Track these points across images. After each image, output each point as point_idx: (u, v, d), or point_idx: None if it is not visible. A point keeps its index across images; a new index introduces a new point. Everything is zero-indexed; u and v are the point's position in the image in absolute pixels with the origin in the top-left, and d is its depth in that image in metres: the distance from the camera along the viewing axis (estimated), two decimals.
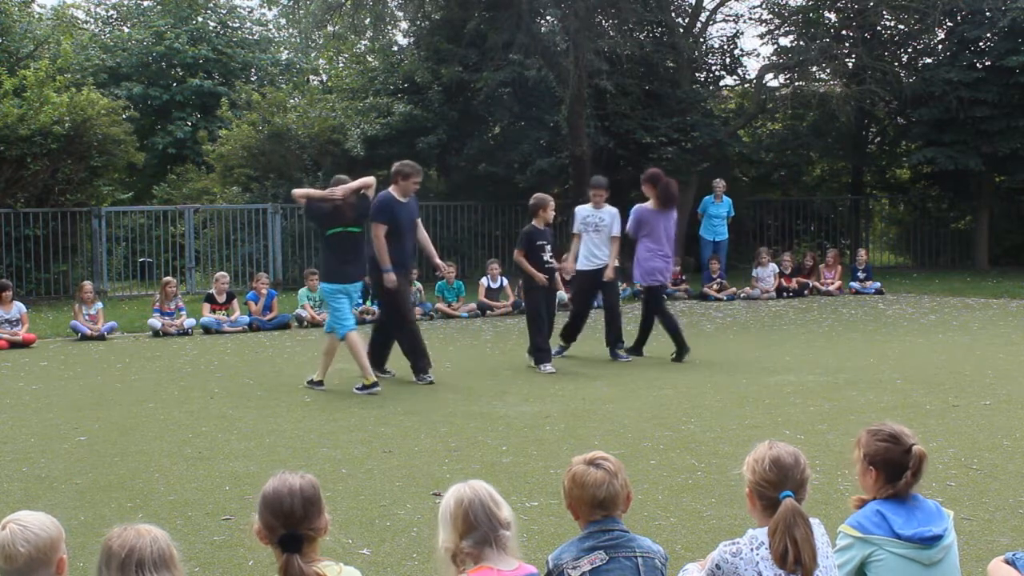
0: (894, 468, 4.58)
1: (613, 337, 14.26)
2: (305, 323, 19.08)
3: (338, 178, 12.85)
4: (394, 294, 12.52)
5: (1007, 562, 5.27)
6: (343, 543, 6.24)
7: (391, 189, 12.61)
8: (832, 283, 23.42)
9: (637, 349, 14.72)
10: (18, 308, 17.55)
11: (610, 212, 14.09)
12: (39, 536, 3.93)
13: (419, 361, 12.54)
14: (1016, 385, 11.45)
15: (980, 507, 6.86)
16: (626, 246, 15.16)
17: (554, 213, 14.42)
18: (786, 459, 4.37)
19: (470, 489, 4.26)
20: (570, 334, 14.53)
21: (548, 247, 13.76)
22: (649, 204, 14.58)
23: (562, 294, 20.93)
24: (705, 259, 23.35)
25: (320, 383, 12.30)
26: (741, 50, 37.28)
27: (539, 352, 13.43)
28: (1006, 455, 8.31)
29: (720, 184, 23.80)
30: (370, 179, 12.70)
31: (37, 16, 36.80)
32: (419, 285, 20.13)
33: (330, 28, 29.39)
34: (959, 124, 27.36)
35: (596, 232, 14.05)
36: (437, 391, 11.82)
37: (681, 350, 14.13)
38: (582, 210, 14.28)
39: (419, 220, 13.16)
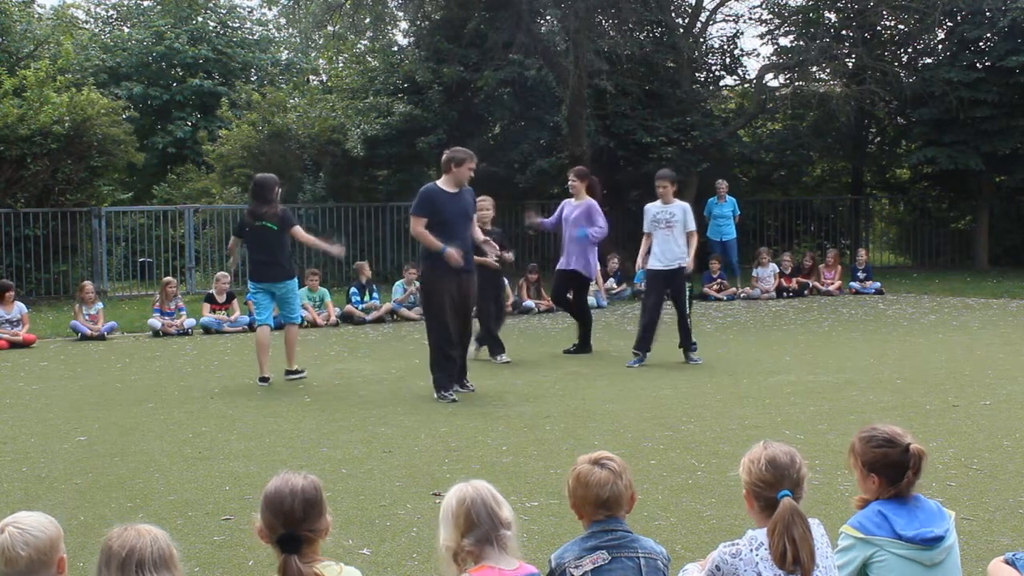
0: (895, 470, 4.57)
1: (685, 339, 13.89)
2: (304, 322, 19.05)
3: (271, 177, 13.72)
4: (427, 293, 11.81)
5: (1007, 562, 5.28)
6: (343, 543, 6.25)
7: (440, 180, 11.70)
8: (832, 283, 23.44)
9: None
10: (19, 308, 17.57)
11: (681, 207, 13.84)
12: (39, 538, 3.93)
13: (438, 377, 11.47)
14: (1016, 385, 11.45)
15: (980, 507, 6.87)
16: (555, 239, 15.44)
17: (491, 212, 14.56)
18: (782, 459, 4.37)
19: (472, 488, 4.28)
20: (645, 344, 13.87)
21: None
22: (589, 200, 15.01)
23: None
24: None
25: (298, 372, 13.12)
26: (741, 50, 37.37)
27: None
28: (1006, 455, 8.31)
29: (723, 185, 23.85)
30: None
31: (37, 16, 36.81)
32: (418, 285, 20.08)
33: (330, 28, 29.44)
34: (959, 124, 27.36)
35: (668, 228, 13.69)
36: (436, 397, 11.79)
37: (583, 347, 14.97)
38: (652, 207, 13.89)
39: (476, 216, 12.21)
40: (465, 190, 11.68)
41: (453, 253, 11.20)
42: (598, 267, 18.43)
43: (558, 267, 15.46)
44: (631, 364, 13.58)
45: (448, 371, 11.46)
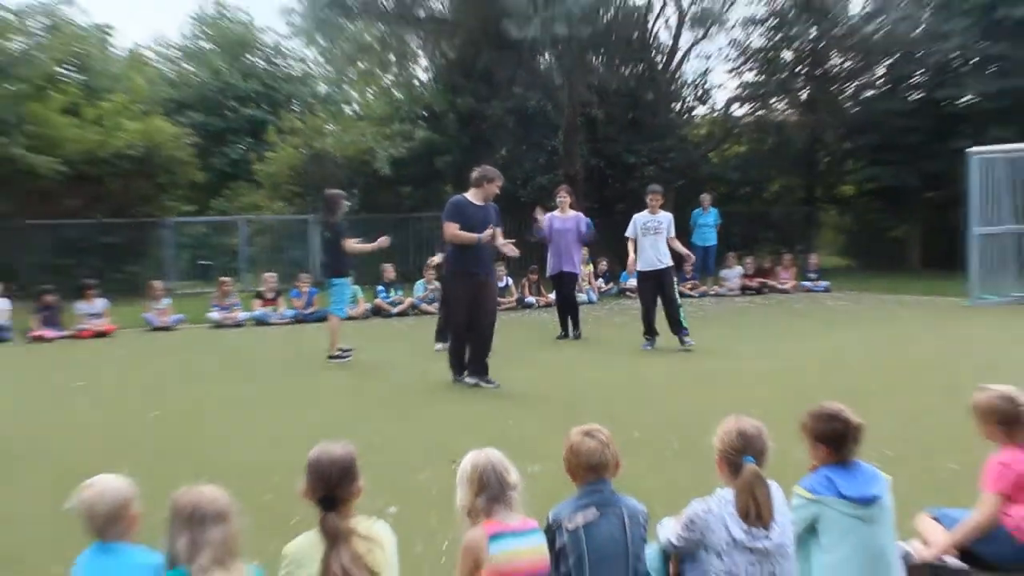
0: (839, 440, 4.64)
1: (675, 327, 13.71)
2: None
3: (335, 193, 13.85)
4: (447, 293, 11.66)
5: (933, 518, 5.35)
6: (374, 502, 6.26)
7: (469, 192, 11.26)
8: (787, 282, 23.43)
9: (577, 333, 15.33)
10: (100, 303, 17.64)
11: (666, 216, 13.81)
12: (115, 496, 4.02)
13: (454, 363, 11.30)
14: (941, 370, 11.45)
15: (910, 471, 6.87)
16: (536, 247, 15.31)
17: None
18: (750, 431, 4.41)
19: (484, 456, 4.35)
20: (651, 330, 13.92)
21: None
22: (577, 213, 15.42)
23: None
24: (699, 262, 23.31)
25: (340, 355, 13.37)
26: (711, 84, 37.22)
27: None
28: (929, 429, 8.31)
29: (706, 198, 23.86)
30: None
31: (115, 56, 36.85)
32: (437, 284, 20.15)
33: (360, 65, 29.40)
34: (896, 148, 27.43)
35: (656, 234, 13.64)
36: (450, 379, 11.78)
37: (575, 333, 15.31)
38: (641, 217, 13.80)
39: (499, 229, 11.29)
40: (489, 205, 11.28)
41: (487, 234, 10.96)
42: (591, 267, 18.33)
43: (551, 272, 15.47)
44: (645, 347, 13.71)
45: (462, 358, 11.26)
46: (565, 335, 15.28)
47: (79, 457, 7.90)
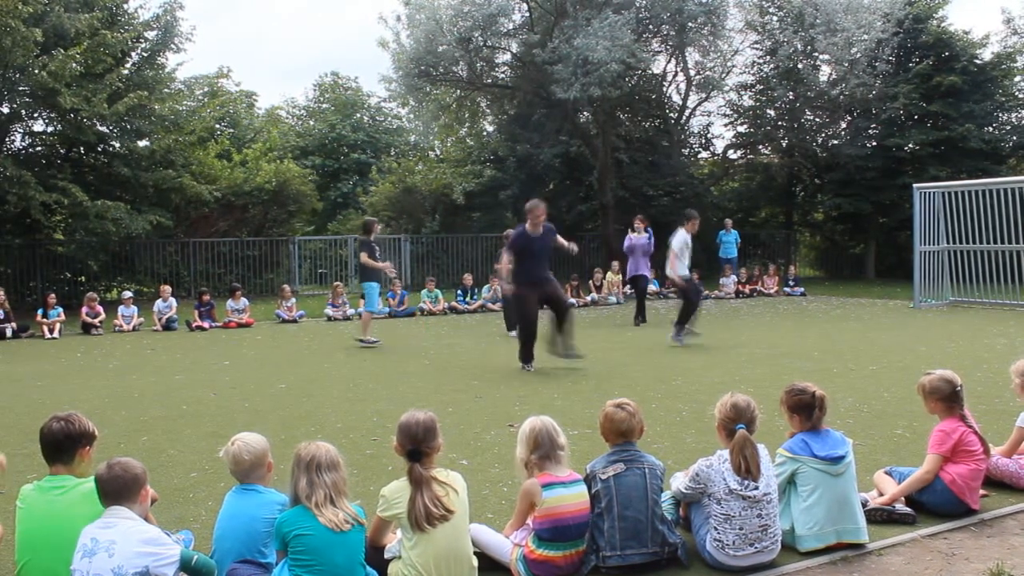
0: (808, 410, 4.62)
1: (682, 320, 12.98)
2: (425, 312, 19.16)
3: (366, 219, 14.47)
4: (518, 299, 10.82)
5: (887, 473, 5.27)
6: (450, 456, 6.27)
7: (526, 223, 10.55)
8: (772, 288, 23.16)
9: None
10: (244, 301, 17.84)
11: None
12: (255, 448, 4.04)
13: (524, 354, 10.77)
14: (892, 356, 11.24)
15: (869, 437, 6.76)
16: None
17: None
18: (741, 403, 4.38)
19: (539, 421, 4.35)
20: (685, 319, 12.95)
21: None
22: (647, 233, 16.51)
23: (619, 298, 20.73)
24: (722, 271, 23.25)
25: (372, 341, 13.55)
26: (712, 134, 36.75)
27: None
28: (885, 402, 8.17)
29: (728, 222, 23.71)
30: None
31: (256, 114, 37.34)
32: (499, 288, 20.17)
33: (442, 120, 29.52)
34: (855, 183, 27.19)
35: (690, 250, 13.23)
36: (510, 362, 11.75)
37: (641, 317, 16.10)
38: (687, 236, 13.15)
39: (557, 236, 10.75)
40: (546, 228, 10.58)
41: (501, 278, 10.80)
42: (619, 276, 18.36)
43: (633, 273, 16.63)
44: (686, 339, 12.90)
45: (530, 350, 10.72)
46: (643, 320, 16.02)
47: (226, 417, 8.00)
